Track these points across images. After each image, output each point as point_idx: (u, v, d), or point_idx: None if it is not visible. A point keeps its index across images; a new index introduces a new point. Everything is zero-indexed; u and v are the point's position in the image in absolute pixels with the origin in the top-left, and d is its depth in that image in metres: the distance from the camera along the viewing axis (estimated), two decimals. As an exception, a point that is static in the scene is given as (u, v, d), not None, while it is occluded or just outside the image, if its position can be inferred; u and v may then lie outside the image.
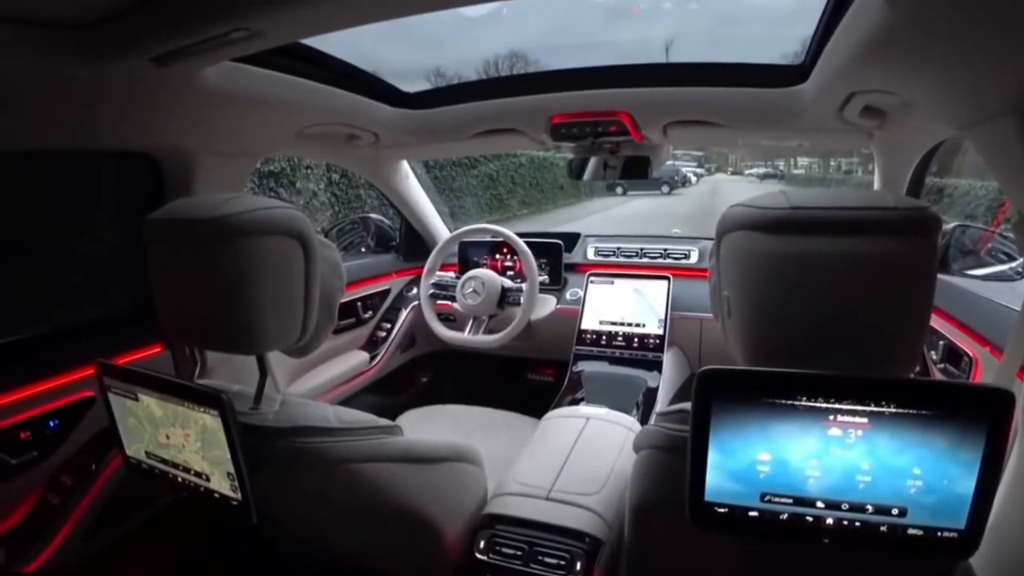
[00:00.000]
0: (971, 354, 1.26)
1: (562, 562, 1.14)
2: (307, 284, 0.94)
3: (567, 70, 1.53)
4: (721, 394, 0.67)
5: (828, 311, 0.66)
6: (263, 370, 1.00)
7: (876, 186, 1.71)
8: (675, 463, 0.79)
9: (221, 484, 0.92)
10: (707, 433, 0.68)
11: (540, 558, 1.16)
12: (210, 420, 0.88)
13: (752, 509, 0.69)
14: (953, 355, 1.34)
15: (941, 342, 1.39)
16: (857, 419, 0.63)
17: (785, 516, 0.69)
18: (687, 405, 0.78)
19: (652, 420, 1.50)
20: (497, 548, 1.19)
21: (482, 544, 1.19)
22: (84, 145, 1.20)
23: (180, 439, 0.94)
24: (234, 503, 0.92)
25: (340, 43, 1.32)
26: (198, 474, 0.95)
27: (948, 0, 0.67)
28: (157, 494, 1.42)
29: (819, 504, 0.67)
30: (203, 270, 0.87)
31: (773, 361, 0.69)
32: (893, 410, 0.63)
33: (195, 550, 1.57)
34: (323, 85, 1.41)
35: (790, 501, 0.68)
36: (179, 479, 0.99)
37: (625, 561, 1.01)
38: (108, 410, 1.02)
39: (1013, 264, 1.49)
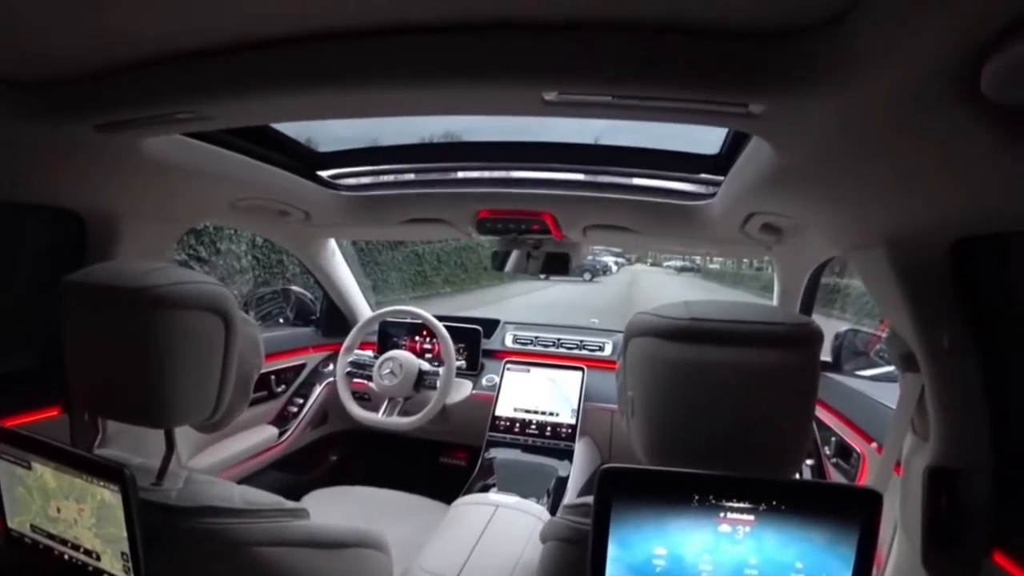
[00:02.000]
0: (859, 450, 1.36)
1: None
2: (225, 360, 0.93)
3: (495, 173, 1.60)
4: (621, 491, 0.71)
5: (720, 415, 0.72)
6: (170, 444, 0.97)
7: (775, 290, 1.85)
8: (579, 555, 0.81)
9: (113, 564, 0.88)
10: (607, 527, 0.71)
11: None
12: (109, 495, 0.85)
13: None
14: (844, 451, 1.43)
15: (833, 438, 1.49)
16: (745, 516, 0.69)
17: None
18: (591, 499, 0.82)
19: (560, 512, 1.53)
20: None
21: None
22: (7, 197, 1.18)
23: (73, 513, 0.90)
24: None
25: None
26: (88, 552, 0.91)
27: (822, 151, 0.78)
28: (35, 572, 1.32)
29: None
30: (120, 339, 0.85)
31: (671, 460, 0.74)
32: (777, 508, 0.68)
33: None
34: (259, 163, 1.42)
35: None
36: (65, 556, 0.93)
37: None
38: None
39: (897, 365, 1.61)
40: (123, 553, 0.86)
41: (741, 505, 0.69)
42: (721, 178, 1.32)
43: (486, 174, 1.58)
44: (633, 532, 0.71)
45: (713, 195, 1.43)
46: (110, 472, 0.84)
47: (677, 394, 0.74)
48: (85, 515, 0.89)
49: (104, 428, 1.40)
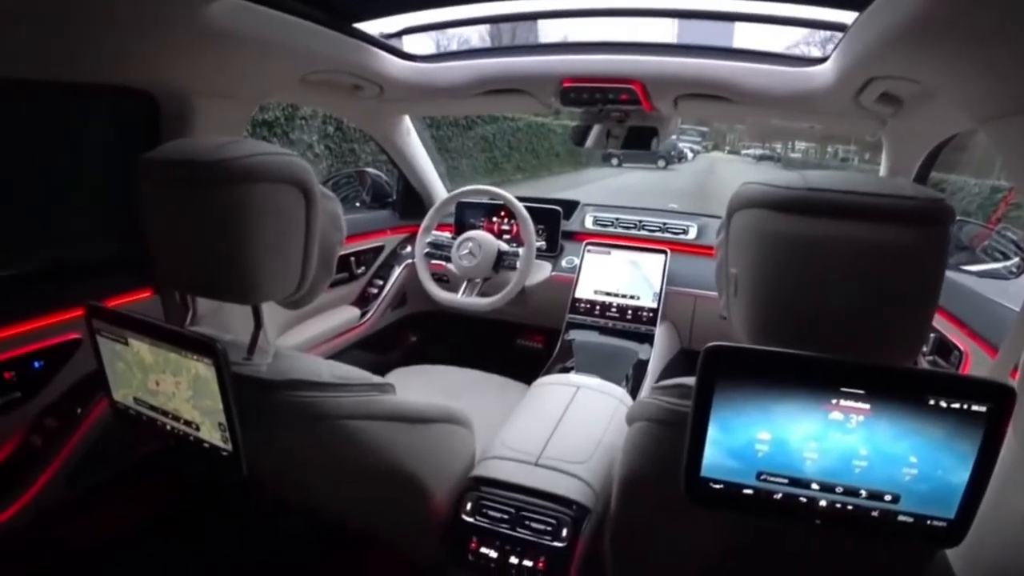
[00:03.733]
0: (962, 348, 1.27)
1: (548, 527, 1.15)
2: (307, 235, 0.92)
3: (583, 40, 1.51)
4: (725, 371, 0.67)
5: (835, 295, 0.66)
6: (258, 321, 0.98)
7: (882, 174, 1.70)
8: (670, 437, 0.79)
9: (211, 434, 0.91)
10: (709, 409, 0.68)
11: (527, 523, 1.17)
12: (203, 369, 0.86)
13: (747, 487, 0.70)
14: (943, 348, 1.35)
15: (932, 334, 1.39)
16: (860, 404, 0.63)
17: (779, 496, 0.69)
18: (687, 380, 0.78)
19: (645, 392, 1.50)
20: (484, 511, 1.19)
21: (469, 506, 1.20)
22: (80, 77, 1.15)
23: (171, 386, 0.92)
24: (224, 454, 0.91)
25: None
26: (188, 423, 0.94)
27: None
28: (142, 441, 1.40)
29: (814, 486, 0.68)
30: (201, 215, 0.84)
31: (777, 341, 0.69)
32: (894, 398, 0.63)
33: (178, 500, 1.57)
34: (331, 31, 1.37)
35: (785, 481, 0.69)
36: (168, 427, 0.97)
37: (610, 531, 1.02)
38: (96, 354, 0.99)
39: (1008, 263, 1.49)
40: (220, 423, 0.89)
41: (856, 392, 0.63)
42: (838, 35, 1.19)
43: (571, 36, 1.47)
44: (735, 415, 0.67)
45: (824, 59, 1.30)
46: (203, 346, 0.84)
47: (788, 271, 0.68)
48: (182, 388, 0.91)
49: (194, 307, 1.43)
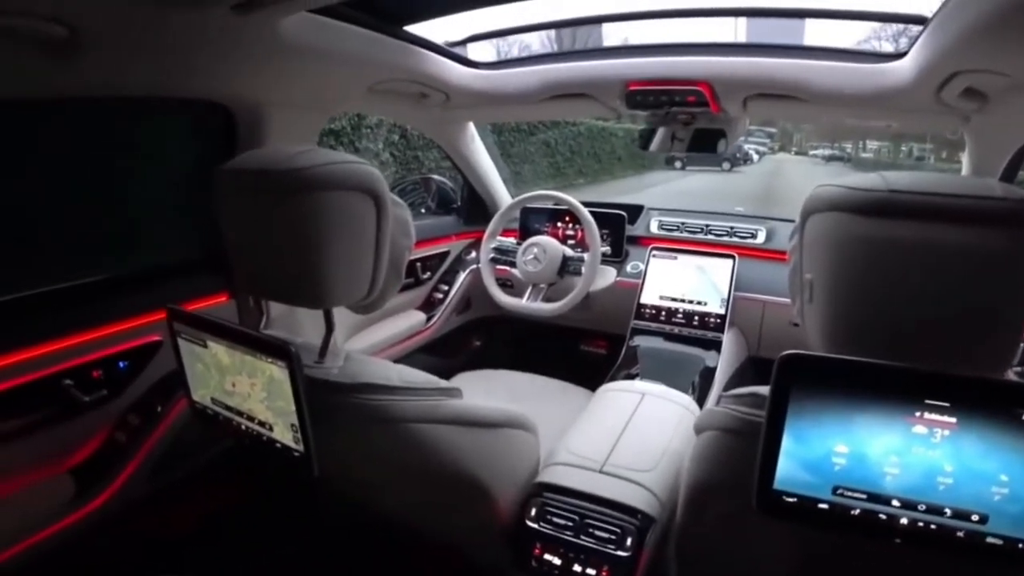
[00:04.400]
0: None
1: (613, 536, 1.14)
2: (378, 241, 0.94)
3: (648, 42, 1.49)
4: (802, 380, 0.64)
5: (920, 302, 0.63)
6: (330, 325, 1.00)
7: (964, 174, 1.63)
8: (741, 447, 0.77)
9: (284, 435, 0.94)
10: (783, 419, 0.66)
11: (591, 530, 1.16)
12: (277, 371, 0.88)
13: (822, 501, 0.67)
14: None
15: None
16: (945, 418, 0.60)
17: (857, 511, 0.66)
18: (760, 389, 0.76)
19: (712, 400, 1.47)
20: (548, 517, 1.19)
21: (533, 512, 1.20)
22: (162, 92, 1.21)
23: (246, 388, 0.96)
24: (296, 454, 0.93)
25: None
26: (262, 423, 0.97)
27: None
28: (215, 439, 1.46)
29: (894, 502, 0.65)
30: (276, 222, 0.87)
31: (854, 350, 0.66)
32: (985, 412, 0.59)
33: (249, 495, 1.63)
34: (398, 41, 1.40)
35: (864, 497, 0.66)
36: (242, 427, 1.00)
37: (675, 542, 1.00)
38: (176, 355, 1.04)
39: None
40: (292, 424, 0.91)
41: (942, 404, 0.60)
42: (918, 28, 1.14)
43: (635, 37, 1.46)
44: (811, 426, 0.65)
45: (902, 54, 1.25)
46: (277, 350, 0.87)
47: (868, 277, 0.65)
48: (257, 389, 0.94)
49: (268, 311, 1.48)
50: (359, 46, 1.32)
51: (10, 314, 1.14)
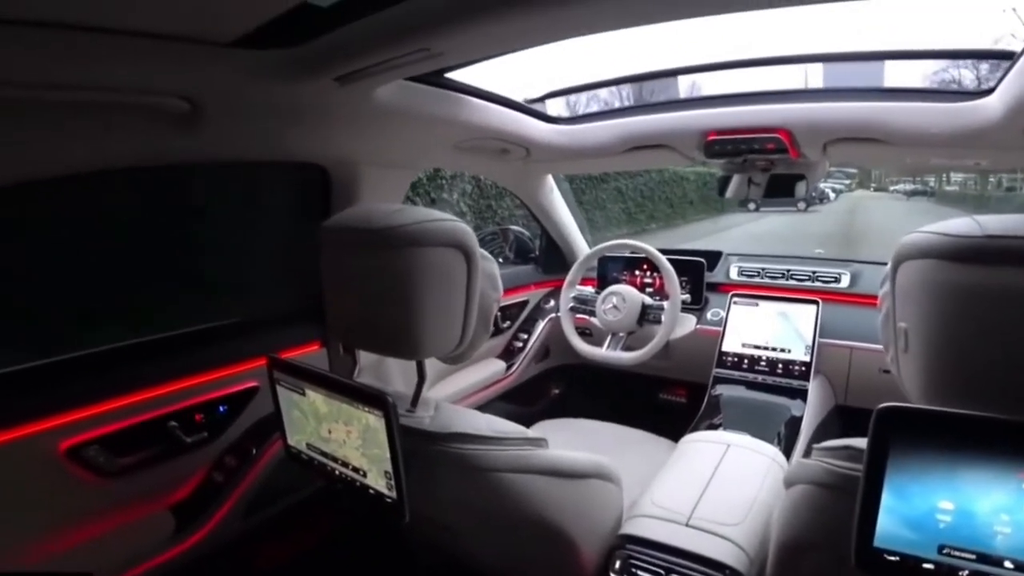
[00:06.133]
0: None
1: None
2: (468, 294, 0.98)
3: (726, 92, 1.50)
4: (901, 433, 0.63)
5: None
6: (422, 375, 1.04)
7: None
8: (835, 502, 0.76)
9: (377, 481, 0.96)
10: (882, 473, 0.64)
11: None
12: (373, 420, 0.91)
13: (927, 561, 0.65)
14: None
15: None
16: (1061, 473, 0.58)
17: (965, 573, 0.63)
18: (855, 441, 0.74)
19: (799, 452, 1.42)
20: (633, 570, 1.17)
21: (617, 564, 1.18)
22: (268, 157, 1.31)
23: (342, 435, 0.99)
24: (388, 500, 0.95)
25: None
26: (356, 469, 1.00)
27: None
28: (306, 481, 1.51)
29: (1007, 564, 0.62)
30: (374, 276, 0.92)
31: (954, 402, 0.64)
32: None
33: (336, 538, 1.66)
34: (481, 101, 1.46)
35: (972, 557, 0.63)
36: (336, 472, 1.04)
37: None
38: (275, 401, 1.09)
39: None
40: (386, 471, 0.93)
41: None
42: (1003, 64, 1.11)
43: (713, 86, 1.47)
44: (913, 481, 0.63)
45: (989, 91, 1.22)
46: (375, 399, 0.90)
47: (968, 326, 0.63)
48: (352, 436, 0.97)
49: (359, 360, 1.53)
50: (446, 108, 1.39)
51: (125, 359, 1.22)
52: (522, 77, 1.61)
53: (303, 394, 1.03)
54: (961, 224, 0.65)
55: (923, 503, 0.63)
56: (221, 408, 1.31)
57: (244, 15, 0.82)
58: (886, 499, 0.65)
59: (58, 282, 1.29)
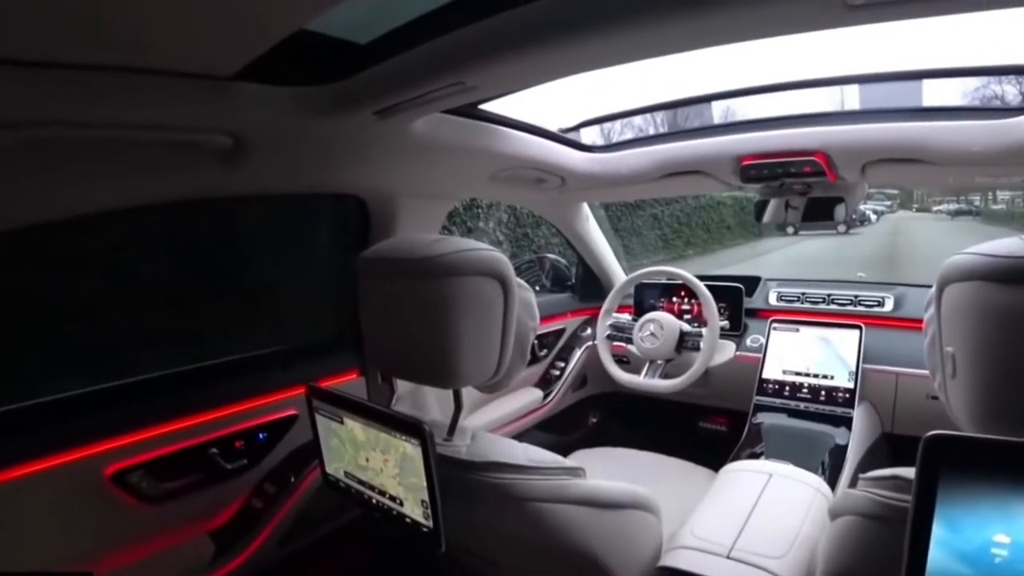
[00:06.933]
0: None
1: None
2: (504, 323, 0.98)
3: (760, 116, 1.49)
4: (952, 462, 0.60)
5: None
6: (458, 404, 1.04)
7: None
8: (883, 534, 0.73)
9: (414, 510, 0.97)
10: (932, 505, 0.61)
11: None
12: (410, 448, 0.92)
13: None
14: None
15: None
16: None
17: None
18: (903, 471, 0.72)
19: (845, 482, 1.38)
20: None
21: None
22: (307, 190, 1.34)
23: (379, 463, 1.00)
24: (425, 529, 0.95)
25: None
26: (392, 498, 1.00)
27: None
28: (343, 508, 1.52)
29: None
30: (412, 306, 0.93)
31: (1007, 429, 0.62)
32: None
33: (373, 565, 1.66)
34: (516, 131, 1.48)
35: None
36: (373, 500, 1.04)
37: None
38: (313, 429, 1.11)
39: None
40: (423, 500, 0.94)
41: None
42: None
43: (747, 110, 1.47)
44: (965, 513, 0.60)
45: None
46: (412, 428, 0.91)
47: (1017, 349, 0.62)
48: (390, 465, 0.98)
49: (396, 388, 1.54)
50: (482, 139, 1.41)
51: (169, 387, 1.26)
52: (556, 106, 1.63)
53: (341, 422, 1.04)
54: (1008, 244, 0.64)
55: (977, 536, 0.60)
56: (261, 435, 1.33)
57: (291, 54, 0.85)
58: (937, 532, 0.62)
59: (106, 313, 1.33)
